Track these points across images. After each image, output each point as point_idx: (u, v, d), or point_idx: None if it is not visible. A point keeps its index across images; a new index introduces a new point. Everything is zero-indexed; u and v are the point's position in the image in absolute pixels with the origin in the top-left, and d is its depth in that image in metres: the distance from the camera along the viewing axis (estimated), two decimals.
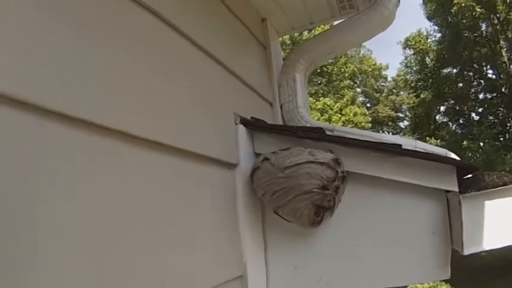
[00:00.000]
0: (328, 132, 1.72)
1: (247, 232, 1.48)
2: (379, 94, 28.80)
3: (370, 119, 22.88)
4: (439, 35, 20.60)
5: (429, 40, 21.82)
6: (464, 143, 16.95)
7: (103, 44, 0.94)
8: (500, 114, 18.82)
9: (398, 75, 26.98)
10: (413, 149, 1.77)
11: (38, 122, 0.74)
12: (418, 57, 21.84)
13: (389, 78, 29.45)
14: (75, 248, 0.78)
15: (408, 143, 1.91)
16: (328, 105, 20.60)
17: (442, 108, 21.16)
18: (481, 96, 19.89)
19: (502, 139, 18.20)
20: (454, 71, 19.89)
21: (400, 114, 28.50)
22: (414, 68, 22.54)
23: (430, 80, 20.35)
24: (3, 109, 0.67)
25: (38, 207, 0.71)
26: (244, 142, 1.58)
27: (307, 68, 2.45)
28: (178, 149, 1.18)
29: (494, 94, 19.00)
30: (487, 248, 1.33)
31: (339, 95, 22.86)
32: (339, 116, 20.19)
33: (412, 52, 22.51)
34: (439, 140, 17.81)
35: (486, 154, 16.07)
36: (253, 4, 2.31)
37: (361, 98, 27.42)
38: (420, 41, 21.79)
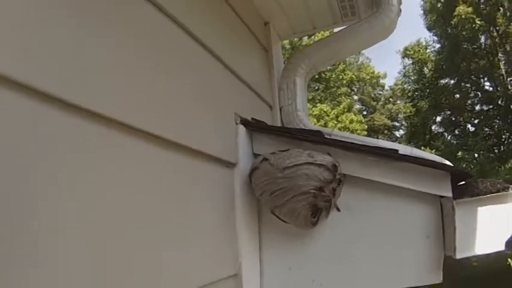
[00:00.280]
0: (326, 136, 1.74)
1: (243, 232, 1.49)
2: (376, 102, 28.86)
3: (366, 126, 22.98)
4: (438, 45, 20.75)
5: (428, 50, 21.96)
6: (459, 153, 17.03)
7: (106, 34, 0.94)
8: (496, 126, 18.92)
9: (395, 84, 27.09)
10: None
11: (38, 107, 0.73)
12: (417, 67, 21.97)
13: (386, 87, 29.57)
14: (74, 241, 0.78)
15: (404, 149, 1.94)
16: (324, 112, 20.68)
17: (438, 119, 21.27)
18: (477, 107, 20.00)
19: (496, 151, 18.29)
20: (452, 81, 20.01)
21: (396, 123, 28.59)
22: (412, 78, 22.66)
23: (428, 90, 20.47)
24: (2, 91, 0.66)
25: (37, 190, 0.71)
26: (244, 142, 1.59)
27: (307, 73, 2.47)
28: (177, 144, 1.18)
29: (491, 106, 19.09)
30: (479, 253, 1.35)
31: (335, 102, 22.96)
32: (335, 122, 20.28)
33: (410, 62, 22.64)
34: (434, 150, 17.85)
35: (480, 165, 16.12)
36: (257, 7, 2.33)
37: (357, 106, 27.52)
38: (419, 50, 21.92)
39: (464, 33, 17.86)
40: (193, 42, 1.39)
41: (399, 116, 27.68)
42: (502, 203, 1.38)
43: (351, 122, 20.72)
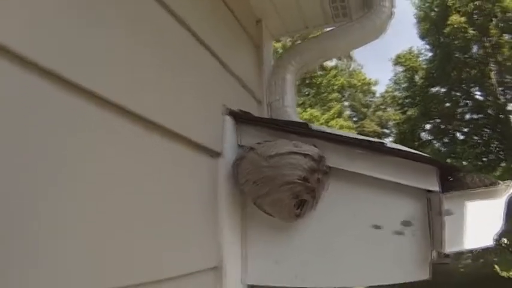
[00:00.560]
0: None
1: (226, 223, 1.46)
2: (366, 109, 28.94)
3: (356, 132, 23.04)
4: (430, 54, 20.86)
5: (420, 58, 22.04)
6: (447, 161, 17.13)
7: (108, 22, 0.97)
8: (485, 135, 19.06)
9: (386, 92, 27.18)
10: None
11: (39, 82, 0.74)
12: (408, 75, 22.08)
13: (377, 94, 29.69)
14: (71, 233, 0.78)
15: (392, 145, 1.92)
16: (314, 116, 20.71)
17: (428, 126, 21.34)
18: (467, 116, 20.12)
19: (485, 159, 18.42)
20: (442, 90, 20.10)
21: (386, 130, 28.67)
22: (403, 85, 22.78)
23: (418, 98, 20.55)
24: (4, 64, 0.67)
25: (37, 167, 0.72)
26: (230, 133, 1.57)
27: (298, 70, 2.46)
28: (161, 126, 1.15)
29: (481, 115, 19.24)
30: (468, 248, 1.33)
31: (326, 107, 23.00)
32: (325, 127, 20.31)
33: (402, 69, 22.76)
34: None
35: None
36: (250, 4, 2.33)
37: (348, 112, 27.56)
38: (411, 58, 22.03)
39: (456, 42, 17.99)
40: (186, 32, 1.38)
41: (389, 123, 27.79)
42: (490, 197, 1.36)
43: (341, 127, 20.76)
